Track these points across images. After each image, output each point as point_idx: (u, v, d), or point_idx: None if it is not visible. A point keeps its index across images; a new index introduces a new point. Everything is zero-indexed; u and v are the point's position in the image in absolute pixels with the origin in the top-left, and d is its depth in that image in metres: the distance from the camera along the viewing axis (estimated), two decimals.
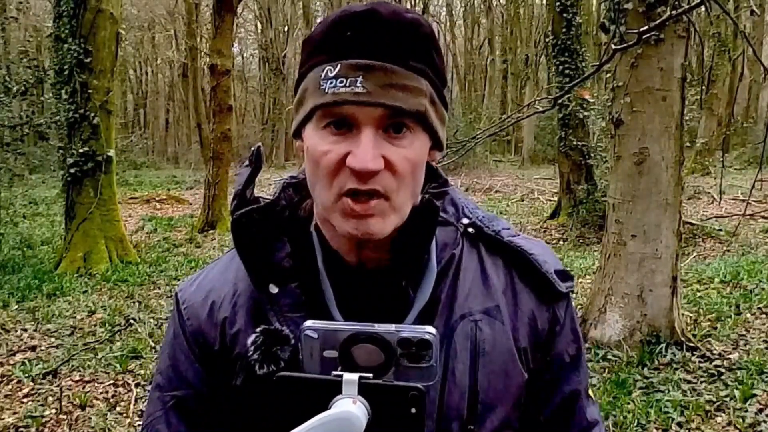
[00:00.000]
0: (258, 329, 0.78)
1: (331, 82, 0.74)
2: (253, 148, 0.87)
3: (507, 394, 0.84)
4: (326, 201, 0.77)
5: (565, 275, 0.90)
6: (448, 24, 37.19)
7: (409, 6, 35.18)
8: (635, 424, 3.63)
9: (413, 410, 0.68)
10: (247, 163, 0.87)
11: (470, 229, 0.89)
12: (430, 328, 0.70)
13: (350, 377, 0.68)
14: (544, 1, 19.76)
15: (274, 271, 0.83)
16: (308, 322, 0.72)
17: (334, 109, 0.74)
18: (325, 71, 0.75)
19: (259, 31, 33.58)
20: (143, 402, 4.32)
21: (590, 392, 0.94)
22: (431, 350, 0.70)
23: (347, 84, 0.73)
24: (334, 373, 0.69)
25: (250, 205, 0.84)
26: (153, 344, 5.31)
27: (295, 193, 0.89)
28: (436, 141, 0.81)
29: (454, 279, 0.85)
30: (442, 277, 0.84)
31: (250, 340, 0.78)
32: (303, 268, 0.83)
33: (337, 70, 0.74)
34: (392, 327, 0.70)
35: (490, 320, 0.84)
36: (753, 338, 4.81)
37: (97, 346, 5.27)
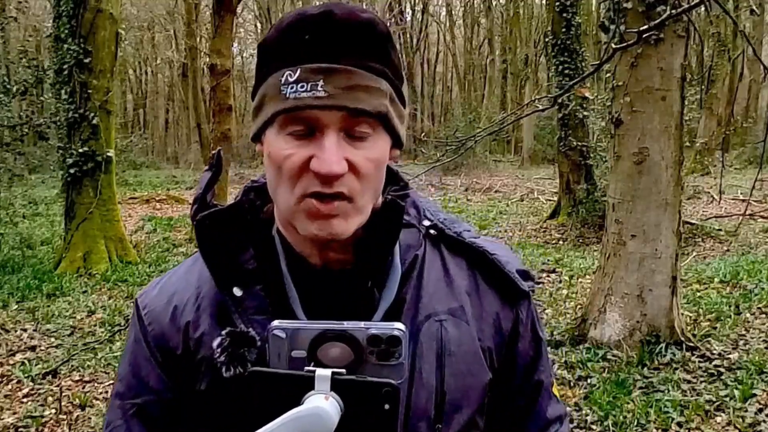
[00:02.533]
0: (224, 331, 0.77)
1: (291, 87, 0.74)
2: (213, 153, 0.87)
3: (472, 394, 0.85)
4: (289, 203, 0.77)
5: (526, 275, 0.91)
6: (448, 24, 37.17)
7: (409, 6, 35.19)
8: (635, 423, 3.63)
9: (386, 406, 0.68)
10: (207, 167, 0.87)
11: (432, 231, 0.90)
12: (399, 325, 0.70)
13: (323, 373, 0.67)
14: (544, 1, 19.75)
15: (238, 273, 0.82)
16: (276, 322, 0.71)
17: (296, 113, 0.74)
18: (284, 76, 0.75)
19: (259, 31, 33.57)
20: None
21: (554, 390, 0.95)
22: (400, 347, 0.70)
23: (308, 88, 0.73)
24: (307, 368, 0.69)
25: (211, 208, 0.84)
26: None
27: (257, 197, 0.89)
28: (396, 140, 0.82)
29: (418, 280, 0.86)
30: (406, 277, 0.84)
31: (216, 342, 0.77)
32: (266, 270, 0.83)
33: (297, 74, 0.74)
34: (361, 324, 0.70)
35: (455, 320, 0.85)
36: (753, 338, 4.81)
37: (96, 346, 5.27)
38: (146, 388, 0.86)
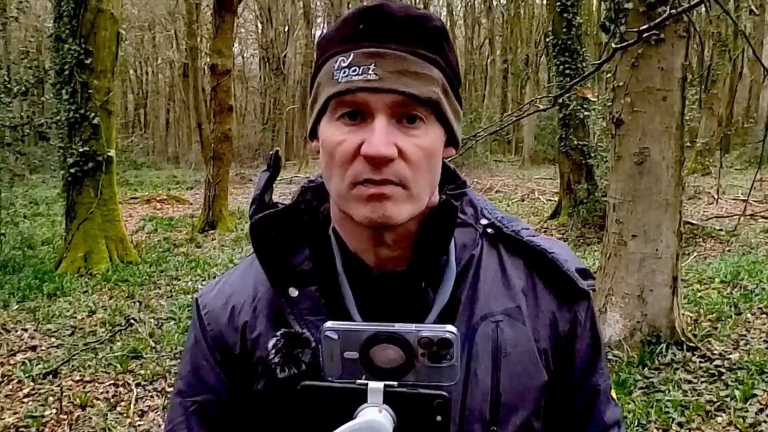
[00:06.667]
0: (279, 332, 0.78)
1: (344, 72, 0.75)
2: (271, 153, 0.88)
3: (528, 396, 0.84)
4: (341, 190, 0.77)
5: (585, 274, 0.89)
6: (448, 24, 37.16)
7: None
8: (636, 424, 3.63)
9: (439, 418, 0.67)
10: (265, 167, 0.88)
11: (489, 230, 0.89)
12: (451, 327, 0.70)
13: (375, 385, 0.67)
14: (545, 1, 19.77)
15: (294, 274, 0.83)
16: (328, 323, 0.71)
17: (347, 97, 0.75)
18: (338, 62, 0.76)
19: (260, 31, 33.58)
20: (144, 402, 4.33)
21: (612, 393, 0.93)
22: (452, 349, 0.69)
23: (360, 72, 0.74)
24: (359, 381, 0.69)
25: (268, 209, 0.85)
26: (153, 344, 5.31)
27: (314, 197, 0.89)
28: (451, 136, 0.82)
29: (474, 280, 0.85)
30: (461, 278, 0.84)
31: (270, 343, 0.78)
32: (322, 271, 0.83)
33: (349, 59, 0.75)
34: (413, 326, 0.70)
35: (511, 321, 0.84)
36: (753, 338, 4.80)
37: (97, 346, 5.27)
38: (206, 386, 0.87)
